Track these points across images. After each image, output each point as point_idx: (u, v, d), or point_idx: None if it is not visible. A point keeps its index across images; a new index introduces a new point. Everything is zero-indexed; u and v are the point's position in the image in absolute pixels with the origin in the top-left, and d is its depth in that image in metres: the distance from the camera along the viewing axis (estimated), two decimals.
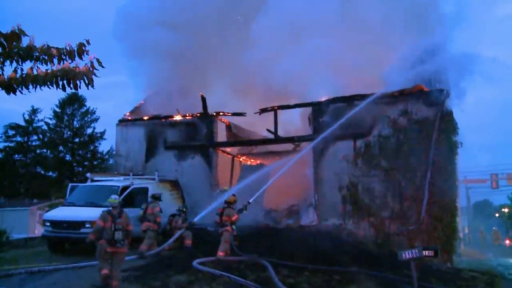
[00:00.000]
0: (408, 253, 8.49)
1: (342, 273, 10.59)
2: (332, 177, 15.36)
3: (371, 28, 16.37)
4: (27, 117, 45.66)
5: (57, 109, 44.84)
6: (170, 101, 18.85)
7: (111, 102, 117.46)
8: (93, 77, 5.64)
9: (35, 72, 5.54)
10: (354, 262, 11.51)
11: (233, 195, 12.25)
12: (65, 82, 5.56)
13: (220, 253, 11.18)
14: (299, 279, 10.03)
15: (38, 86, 5.56)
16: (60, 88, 5.59)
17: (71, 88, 5.59)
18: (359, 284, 10.13)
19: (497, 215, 61.74)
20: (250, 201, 12.72)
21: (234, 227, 11.66)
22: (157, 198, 12.70)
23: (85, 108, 45.64)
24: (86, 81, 5.58)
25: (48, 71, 5.56)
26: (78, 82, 5.55)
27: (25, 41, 5.49)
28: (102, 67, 5.69)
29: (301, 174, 16.24)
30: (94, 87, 5.67)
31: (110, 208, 8.91)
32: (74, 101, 44.56)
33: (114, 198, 9.11)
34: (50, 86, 5.55)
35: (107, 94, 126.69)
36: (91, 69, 5.59)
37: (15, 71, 5.54)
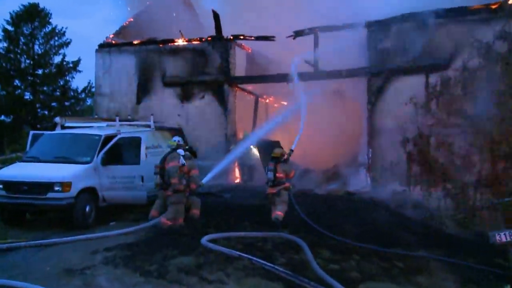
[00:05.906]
0: (504, 234, 8.61)
1: (406, 259, 10.49)
2: (394, 127, 15.57)
3: None
4: None
5: (9, 27, 43.92)
6: (171, 19, 18.60)
7: (88, 19, 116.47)
8: None
9: None
10: (423, 245, 11.50)
11: (280, 147, 12.91)
12: None
13: (278, 213, 11.86)
14: (346, 265, 9.88)
15: None
16: None
17: None
18: (430, 275, 9.98)
19: None
20: (292, 148, 13.10)
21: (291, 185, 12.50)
22: (194, 153, 12.87)
23: (50, 27, 44.60)
24: None
25: None
26: None
27: None
28: None
29: (350, 123, 16.55)
30: None
31: None
32: (33, 17, 43.30)
33: None
34: None
35: (82, 8, 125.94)
36: None
37: None
